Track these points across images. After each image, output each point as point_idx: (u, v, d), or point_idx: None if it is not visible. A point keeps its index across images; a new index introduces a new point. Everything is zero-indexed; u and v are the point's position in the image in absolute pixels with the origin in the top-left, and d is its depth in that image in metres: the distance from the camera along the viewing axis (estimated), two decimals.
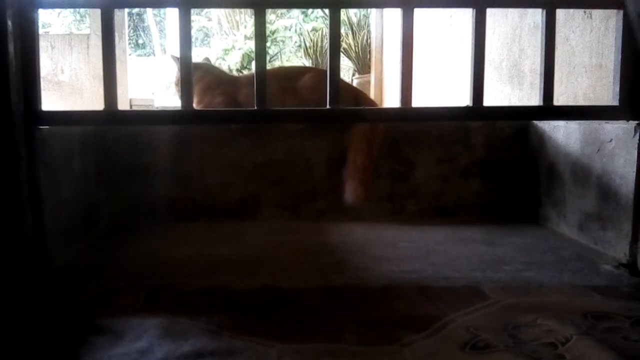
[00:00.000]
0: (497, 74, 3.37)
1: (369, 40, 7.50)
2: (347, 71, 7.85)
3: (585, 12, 2.39)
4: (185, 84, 1.85)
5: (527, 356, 1.32)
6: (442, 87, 4.46)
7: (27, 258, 1.74)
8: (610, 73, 1.95)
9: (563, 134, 2.44)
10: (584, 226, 2.32)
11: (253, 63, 1.86)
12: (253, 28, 1.81)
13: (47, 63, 5.73)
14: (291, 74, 2.95)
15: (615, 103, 1.87)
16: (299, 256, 2.16)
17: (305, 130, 2.75)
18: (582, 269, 2.00)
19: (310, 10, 5.55)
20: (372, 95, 6.41)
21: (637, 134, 1.92)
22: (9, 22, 1.61)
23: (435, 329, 1.47)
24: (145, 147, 2.70)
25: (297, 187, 2.75)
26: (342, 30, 6.54)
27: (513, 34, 3.20)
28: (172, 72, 3.38)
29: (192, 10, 1.80)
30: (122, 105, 1.96)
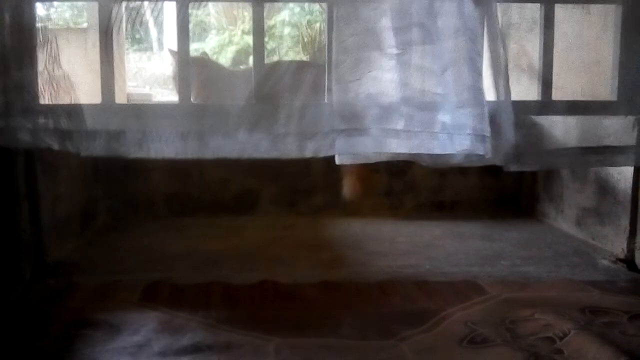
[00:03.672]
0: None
1: None
2: None
3: (583, 7, 2.39)
4: (183, 79, 1.84)
5: (524, 350, 1.33)
6: None
7: (24, 253, 1.74)
8: (609, 69, 1.95)
9: (561, 129, 2.44)
10: (582, 221, 2.32)
11: (251, 58, 1.85)
12: (251, 22, 1.80)
13: (45, 57, 5.69)
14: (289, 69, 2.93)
15: (614, 98, 1.87)
16: (297, 251, 2.16)
17: None
18: (580, 264, 2.00)
19: (306, 5, 5.53)
20: None
21: (636, 129, 1.91)
22: (7, 16, 1.60)
23: (433, 324, 1.48)
24: None
25: (295, 183, 2.75)
26: None
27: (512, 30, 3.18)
28: (170, 66, 3.37)
29: (190, 5, 1.79)
30: (119, 99, 1.96)
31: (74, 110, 1.46)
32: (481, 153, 1.52)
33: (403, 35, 1.51)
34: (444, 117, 1.53)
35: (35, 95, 1.50)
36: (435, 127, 1.53)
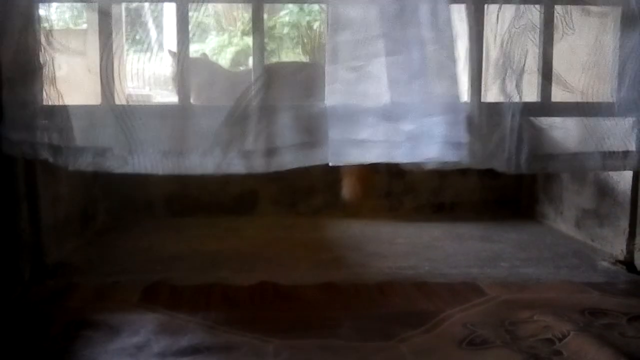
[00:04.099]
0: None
1: None
2: None
3: (582, 8, 2.38)
4: (182, 80, 1.84)
5: (524, 352, 1.33)
6: None
7: (24, 253, 1.74)
8: (608, 70, 1.95)
9: (561, 131, 2.43)
10: (581, 223, 2.32)
11: (250, 58, 1.85)
12: (251, 23, 1.80)
13: (44, 58, 5.69)
14: (289, 70, 2.93)
15: (613, 100, 1.87)
16: (297, 252, 2.16)
17: None
18: (579, 266, 2.00)
19: (306, 5, 5.55)
20: None
21: (635, 132, 1.91)
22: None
23: (432, 325, 1.48)
24: None
25: (295, 183, 2.75)
26: None
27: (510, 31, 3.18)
28: (170, 67, 3.36)
29: (190, 6, 1.79)
30: (119, 100, 1.95)
31: (64, 128, 1.55)
32: (454, 160, 1.54)
33: (363, 49, 1.53)
34: (409, 126, 1.55)
35: (36, 111, 1.57)
36: (398, 136, 1.56)
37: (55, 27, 1.67)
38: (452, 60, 1.56)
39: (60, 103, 1.59)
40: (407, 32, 1.53)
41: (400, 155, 1.58)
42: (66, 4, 1.81)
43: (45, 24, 1.59)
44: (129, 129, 1.58)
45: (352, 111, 1.57)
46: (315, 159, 1.59)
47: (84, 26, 2.18)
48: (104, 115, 1.60)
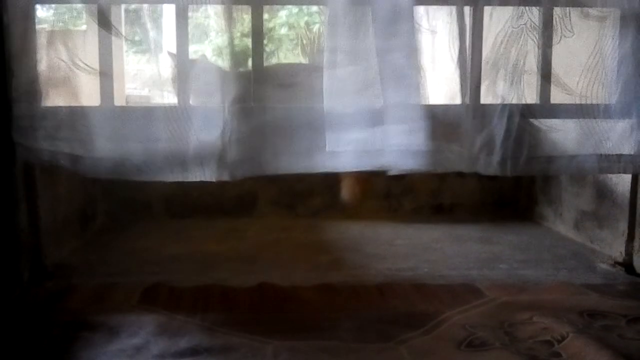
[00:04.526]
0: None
1: None
2: None
3: (581, 11, 2.39)
4: (182, 81, 1.84)
5: (523, 354, 1.33)
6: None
7: (23, 254, 1.74)
8: (607, 72, 1.95)
9: (559, 133, 2.43)
10: (580, 225, 2.32)
11: (250, 60, 1.85)
12: (250, 25, 1.80)
13: (44, 59, 5.69)
14: (289, 71, 2.93)
15: (612, 102, 1.87)
16: (296, 253, 2.16)
17: None
18: (578, 267, 2.00)
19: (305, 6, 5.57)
20: None
21: (633, 133, 1.91)
22: (5, 18, 1.60)
23: (432, 327, 1.48)
24: None
25: (294, 185, 2.75)
26: None
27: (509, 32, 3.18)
28: (169, 68, 3.35)
29: (189, 7, 1.79)
30: (119, 101, 1.96)
31: (85, 140, 1.62)
32: (409, 168, 1.55)
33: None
34: (357, 135, 1.56)
35: (56, 124, 1.63)
36: (342, 146, 1.58)
37: (61, 30, 1.71)
38: (416, 68, 1.56)
39: (76, 113, 1.64)
40: (361, 43, 1.53)
41: (346, 163, 1.62)
42: (65, 6, 1.81)
43: (64, 40, 1.70)
44: (132, 133, 1.62)
45: (290, 124, 1.63)
46: (252, 170, 1.75)
47: (84, 27, 2.18)
48: (108, 119, 1.63)
